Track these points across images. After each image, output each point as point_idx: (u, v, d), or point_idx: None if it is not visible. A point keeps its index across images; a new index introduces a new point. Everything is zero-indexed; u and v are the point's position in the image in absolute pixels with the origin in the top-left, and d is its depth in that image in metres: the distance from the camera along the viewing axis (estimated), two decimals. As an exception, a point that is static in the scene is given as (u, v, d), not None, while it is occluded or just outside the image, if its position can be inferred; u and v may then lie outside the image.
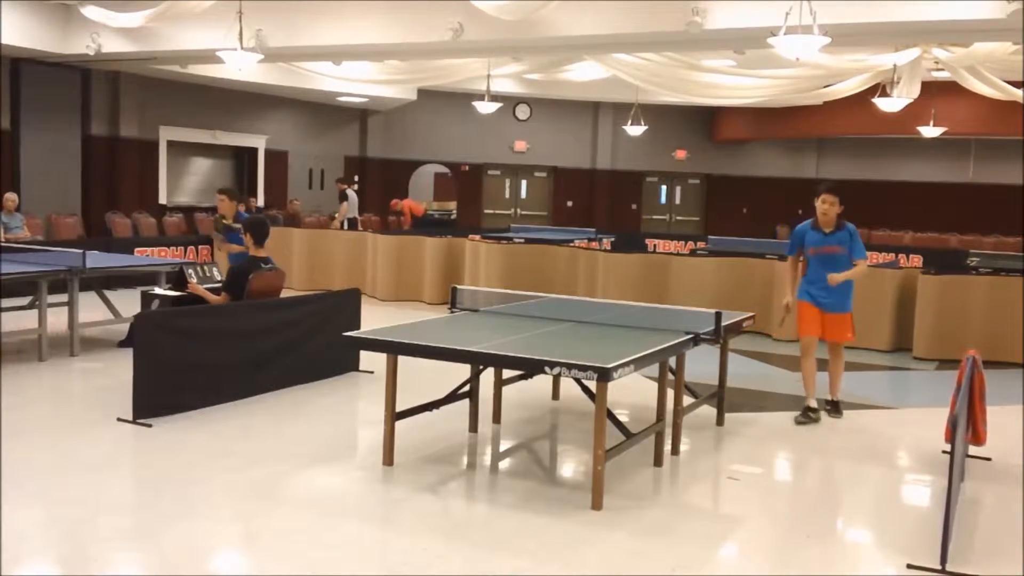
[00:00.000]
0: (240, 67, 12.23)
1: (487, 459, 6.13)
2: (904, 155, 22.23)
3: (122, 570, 4.23)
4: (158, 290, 8.81)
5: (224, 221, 8.88)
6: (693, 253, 13.95)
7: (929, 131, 17.44)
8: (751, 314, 7.17)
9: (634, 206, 23.76)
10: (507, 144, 23.06)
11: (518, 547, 4.51)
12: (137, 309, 8.00)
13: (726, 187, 23.80)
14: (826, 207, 6.98)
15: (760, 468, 6.15)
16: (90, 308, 9.34)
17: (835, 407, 7.35)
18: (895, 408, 7.95)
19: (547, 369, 4.93)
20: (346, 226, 17.22)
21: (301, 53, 13.67)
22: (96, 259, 9.30)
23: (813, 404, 7.12)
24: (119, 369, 7.50)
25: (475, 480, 5.73)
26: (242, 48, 11.01)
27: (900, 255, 15.93)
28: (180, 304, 7.90)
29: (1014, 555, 4.56)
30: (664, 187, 24.25)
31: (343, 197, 17.75)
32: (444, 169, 24.07)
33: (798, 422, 7.03)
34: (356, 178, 21.36)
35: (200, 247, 14.89)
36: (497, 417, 6.69)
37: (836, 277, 6.93)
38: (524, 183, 23.73)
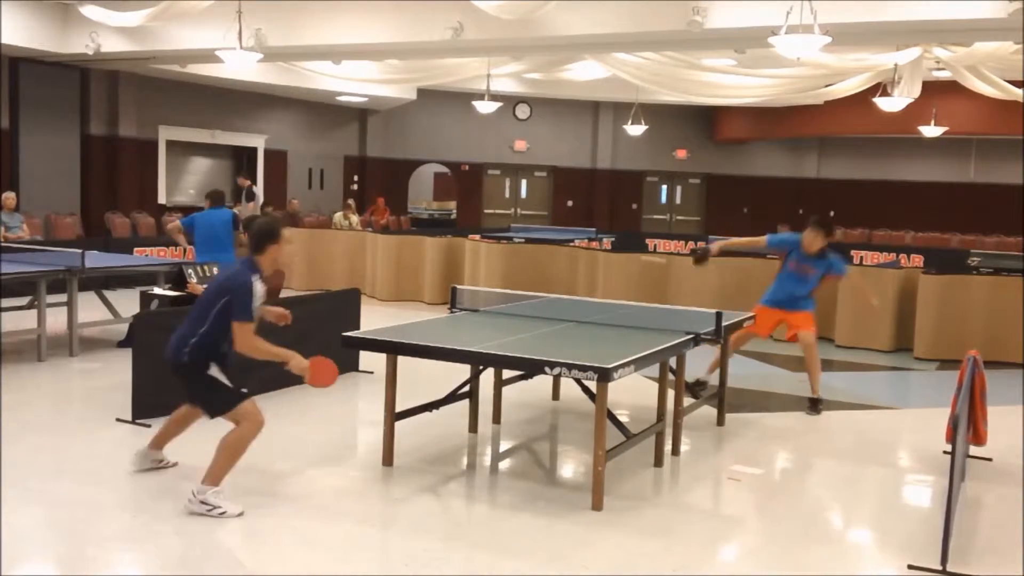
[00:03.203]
0: (239, 67, 12.22)
1: (487, 459, 6.12)
2: (905, 155, 22.21)
3: (122, 570, 4.22)
4: (157, 290, 8.80)
5: None
6: (693, 253, 13.90)
7: (930, 131, 17.44)
8: (751, 314, 7.17)
9: (634, 206, 23.76)
10: (507, 144, 23.06)
11: (518, 547, 4.50)
12: (136, 309, 7.99)
13: (726, 187, 23.80)
14: (808, 240, 7.23)
15: (760, 468, 6.13)
16: (89, 308, 9.32)
17: (813, 404, 7.42)
18: (896, 408, 7.94)
19: (547, 369, 4.91)
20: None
21: (301, 52, 13.67)
22: (95, 259, 9.29)
23: (702, 377, 7.56)
24: (118, 369, 7.49)
25: (475, 480, 5.72)
26: (241, 47, 11.00)
27: (901, 255, 15.91)
28: (179, 304, 7.88)
29: (1014, 555, 4.56)
30: (664, 187, 24.25)
31: (250, 196, 16.85)
32: (444, 169, 24.07)
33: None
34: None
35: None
36: (497, 417, 6.68)
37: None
38: (524, 183, 23.73)
